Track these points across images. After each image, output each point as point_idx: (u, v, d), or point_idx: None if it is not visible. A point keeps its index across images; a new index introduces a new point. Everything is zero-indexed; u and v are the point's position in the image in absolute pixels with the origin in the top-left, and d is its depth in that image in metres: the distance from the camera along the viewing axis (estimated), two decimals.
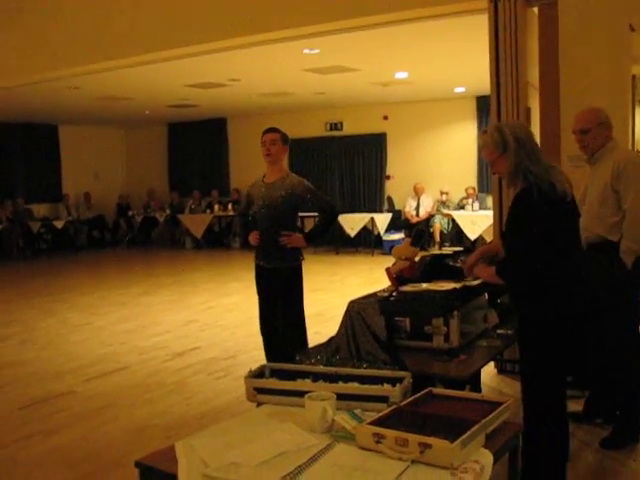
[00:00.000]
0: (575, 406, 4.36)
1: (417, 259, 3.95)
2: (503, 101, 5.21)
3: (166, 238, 17.55)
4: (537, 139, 3.64)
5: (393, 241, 13.57)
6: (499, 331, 3.81)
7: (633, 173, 3.84)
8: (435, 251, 7.83)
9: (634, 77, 6.40)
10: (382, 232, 14.34)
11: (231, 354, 6.46)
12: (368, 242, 14.53)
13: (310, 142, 15.86)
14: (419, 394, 2.64)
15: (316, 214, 5.32)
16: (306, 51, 8.77)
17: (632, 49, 5.26)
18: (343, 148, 15.73)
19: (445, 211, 13.92)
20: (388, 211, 15.00)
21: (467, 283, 3.68)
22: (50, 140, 17.16)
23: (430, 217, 14.12)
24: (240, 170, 16.54)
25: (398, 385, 2.65)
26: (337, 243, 14.60)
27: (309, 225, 12.13)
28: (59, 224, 16.05)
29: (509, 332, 3.80)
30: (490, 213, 10.18)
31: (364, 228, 14.45)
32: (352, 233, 14.36)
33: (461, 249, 4.59)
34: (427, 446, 2.13)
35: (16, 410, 5.06)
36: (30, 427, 4.68)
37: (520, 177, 3.01)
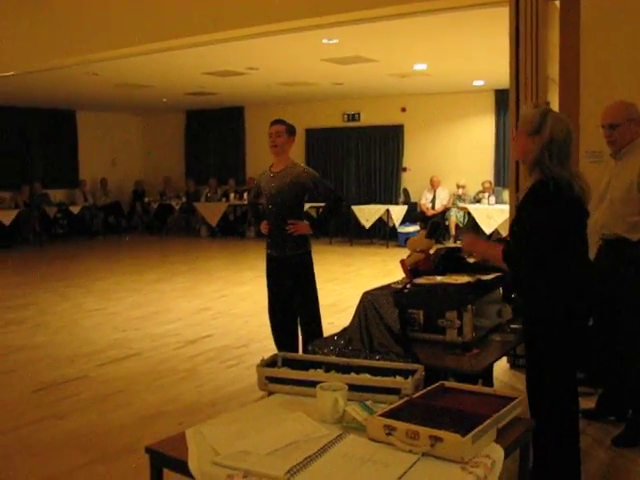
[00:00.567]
0: (588, 403, 4.35)
1: (432, 252, 3.93)
2: (522, 95, 5.16)
3: (181, 226, 17.60)
4: None
5: (408, 233, 13.52)
6: (513, 326, 3.78)
7: None
8: (450, 244, 7.81)
9: None
10: (397, 224, 14.28)
11: (243, 342, 6.48)
12: (383, 234, 14.50)
13: (327, 132, 15.86)
14: (431, 387, 2.62)
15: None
16: (325, 41, 8.74)
17: None
18: (360, 139, 15.68)
19: (461, 204, 13.85)
20: (404, 203, 14.93)
21: (482, 277, 3.66)
22: (68, 126, 17.23)
23: (446, 210, 14.04)
24: (256, 159, 16.49)
25: (410, 377, 2.64)
26: (352, 234, 14.60)
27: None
28: (75, 209, 16.10)
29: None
30: (506, 207, 10.21)
31: (379, 220, 14.40)
32: (367, 224, 14.32)
33: None
34: (438, 439, 2.12)
35: (29, 393, 5.10)
36: (42, 411, 4.72)
37: (537, 170, 2.98)
